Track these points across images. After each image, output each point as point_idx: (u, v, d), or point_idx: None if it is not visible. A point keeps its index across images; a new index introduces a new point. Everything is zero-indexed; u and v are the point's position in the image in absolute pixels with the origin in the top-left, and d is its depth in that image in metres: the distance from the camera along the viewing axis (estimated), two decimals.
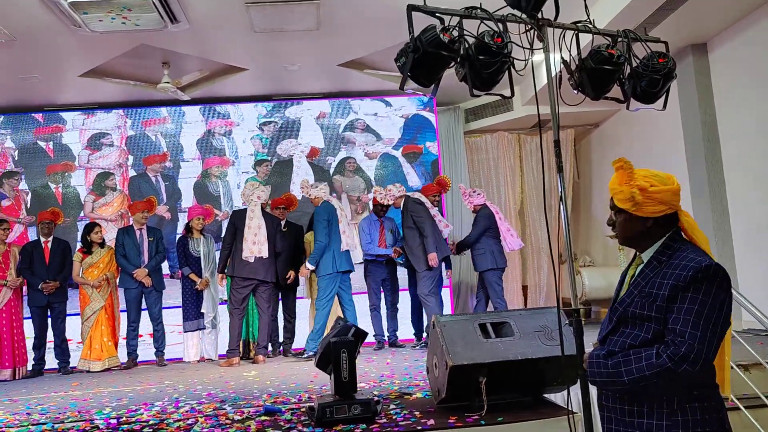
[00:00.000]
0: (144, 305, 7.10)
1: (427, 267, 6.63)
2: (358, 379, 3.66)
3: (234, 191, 8.33)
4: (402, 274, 7.38)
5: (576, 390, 3.38)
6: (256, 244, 6.43)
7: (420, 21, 3.11)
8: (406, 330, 7.41)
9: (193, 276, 7.03)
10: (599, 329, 2.22)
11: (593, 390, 2.33)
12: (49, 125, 8.38)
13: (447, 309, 7.92)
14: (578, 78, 3.49)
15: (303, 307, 7.32)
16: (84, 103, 8.33)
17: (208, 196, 8.36)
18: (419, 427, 3.26)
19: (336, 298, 6.67)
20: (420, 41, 3.03)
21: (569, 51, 3.45)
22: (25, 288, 7.04)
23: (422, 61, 3.06)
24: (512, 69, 3.26)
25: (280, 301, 7.16)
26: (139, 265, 6.99)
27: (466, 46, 3.14)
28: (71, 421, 3.96)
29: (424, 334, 7.04)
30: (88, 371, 6.78)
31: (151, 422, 3.75)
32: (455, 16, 3.17)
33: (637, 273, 2.10)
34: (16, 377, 6.78)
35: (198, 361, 7.09)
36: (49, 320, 7.04)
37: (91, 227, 7.11)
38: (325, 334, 5.27)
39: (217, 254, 7.10)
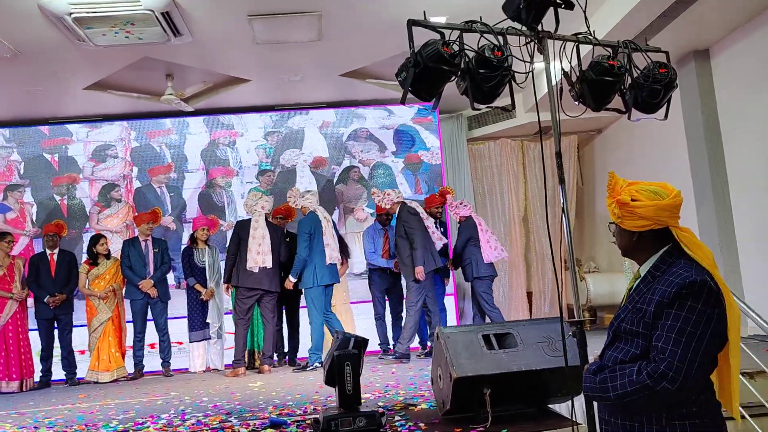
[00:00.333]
0: (150, 316, 7.14)
1: (415, 279, 6.56)
2: (363, 389, 3.68)
3: (238, 201, 8.36)
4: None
5: (580, 400, 3.40)
6: (260, 254, 6.45)
7: (420, 35, 3.13)
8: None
9: (198, 286, 7.06)
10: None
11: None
12: (55, 138, 8.43)
13: (450, 319, 7.88)
14: (579, 89, 3.51)
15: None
16: (89, 115, 8.38)
17: (212, 207, 8.39)
18: None
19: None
20: (420, 56, 3.05)
21: (570, 62, 3.47)
22: (30, 300, 7.08)
23: (423, 76, 3.08)
24: (513, 82, 3.28)
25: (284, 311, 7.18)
26: (145, 276, 7.02)
27: (467, 60, 3.16)
28: None
29: (429, 343, 7.04)
30: (96, 382, 6.81)
31: None
32: (455, 30, 3.19)
33: (633, 287, 2.11)
34: (24, 389, 6.81)
35: (204, 371, 7.11)
36: (56, 332, 7.08)
37: (96, 239, 7.15)
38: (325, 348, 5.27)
39: (222, 264, 7.11)
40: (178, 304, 7.43)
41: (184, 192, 8.47)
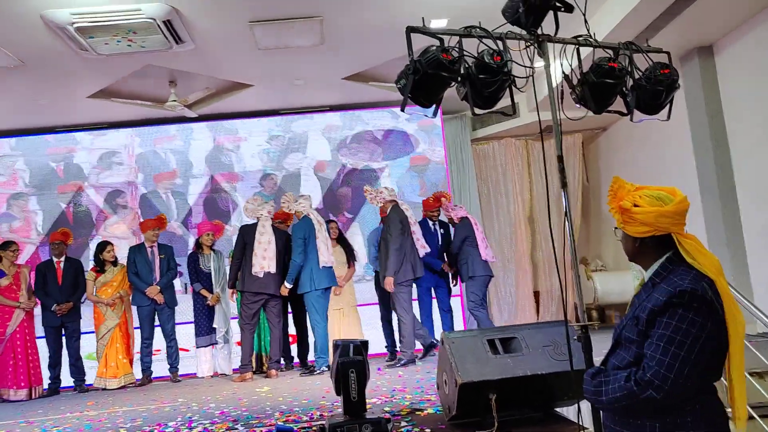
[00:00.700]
0: (157, 322, 7.16)
1: (401, 283, 6.46)
2: (370, 393, 3.68)
3: (243, 206, 8.36)
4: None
5: (587, 404, 3.38)
6: (266, 259, 6.46)
7: (420, 40, 3.12)
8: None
9: (204, 292, 7.08)
10: None
11: None
12: (60, 146, 8.48)
13: (457, 323, 7.84)
14: (580, 92, 3.49)
15: None
16: (93, 123, 8.42)
17: (217, 212, 8.41)
18: None
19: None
20: (420, 63, 3.05)
21: (570, 65, 3.45)
22: (38, 308, 7.11)
23: (422, 83, 3.07)
24: (513, 86, 3.27)
25: (290, 315, 7.19)
26: (151, 282, 7.04)
27: (467, 65, 3.15)
28: None
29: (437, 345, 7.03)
30: (105, 389, 6.84)
31: None
32: (455, 36, 3.19)
33: (636, 294, 2.11)
34: (33, 397, 6.84)
35: (211, 376, 7.13)
36: (63, 339, 7.11)
37: (103, 246, 7.18)
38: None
39: (228, 269, 7.12)
40: (185, 309, 7.44)
41: (189, 197, 8.49)
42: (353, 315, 7.16)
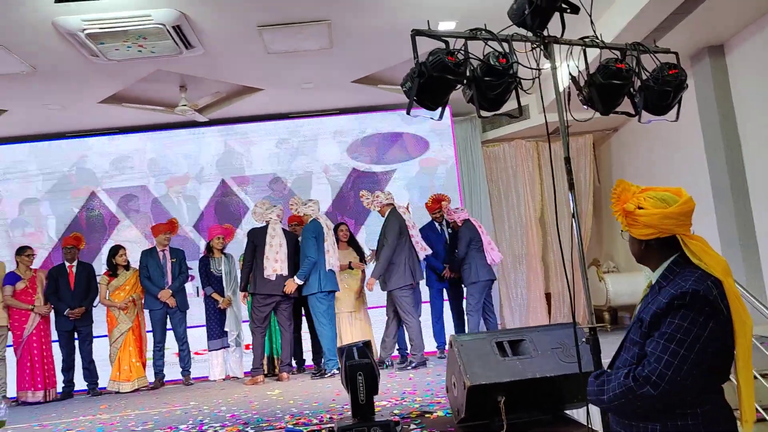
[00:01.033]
0: (169, 325, 7.20)
1: (399, 287, 6.48)
2: (380, 395, 3.69)
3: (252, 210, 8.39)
4: (423, 287, 7.39)
5: (596, 407, 3.37)
6: (278, 262, 6.49)
7: (427, 43, 3.13)
8: (430, 343, 7.41)
9: (215, 295, 7.11)
10: None
11: None
12: (72, 151, 8.55)
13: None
14: (587, 93, 3.48)
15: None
16: (105, 128, 8.49)
17: (228, 216, 8.44)
18: None
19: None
20: (425, 66, 3.05)
21: (577, 66, 3.45)
22: (51, 312, 7.18)
23: (428, 85, 3.07)
24: (519, 88, 3.27)
25: (303, 317, 7.20)
26: (163, 286, 7.09)
27: (472, 68, 3.15)
28: None
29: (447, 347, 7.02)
30: (118, 392, 6.89)
31: None
32: (460, 38, 3.18)
33: (644, 297, 2.10)
34: (47, 399, 6.91)
35: (223, 380, 7.16)
36: (76, 343, 7.17)
37: (115, 250, 7.23)
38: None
39: (239, 273, 7.15)
40: (197, 313, 7.48)
41: (201, 201, 8.54)
42: (364, 318, 7.17)
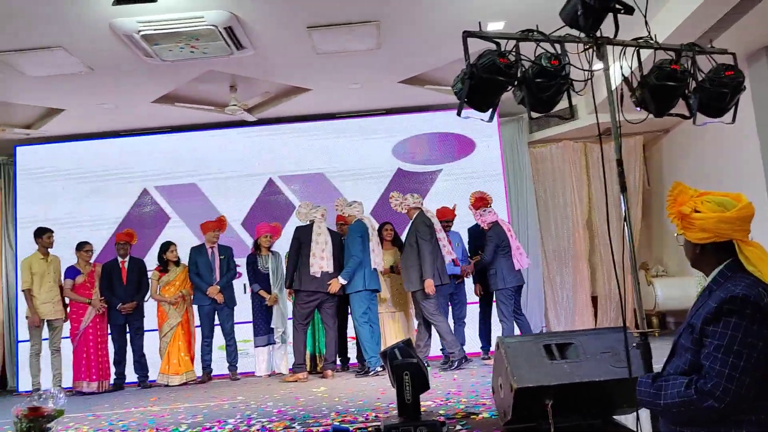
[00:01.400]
0: (217, 321, 7.35)
1: (421, 289, 6.47)
2: (424, 396, 3.70)
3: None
4: (469, 287, 7.37)
5: (646, 413, 3.32)
6: (324, 260, 6.58)
7: (477, 44, 3.13)
8: (473, 344, 7.39)
9: (262, 292, 7.21)
10: None
11: None
12: (125, 149, 8.76)
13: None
14: (640, 95, 3.44)
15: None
16: (157, 126, 8.70)
17: (275, 214, 8.53)
18: None
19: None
20: (476, 67, 3.05)
21: (630, 67, 3.40)
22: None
23: (478, 87, 3.07)
24: (571, 89, 3.24)
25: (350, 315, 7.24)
26: (212, 282, 7.23)
27: (523, 69, 3.14)
28: None
29: (492, 348, 6.99)
30: (167, 385, 7.06)
31: None
32: (511, 39, 3.17)
33: (695, 301, 2.08)
34: (100, 390, 7.12)
35: (269, 375, 7.26)
36: (128, 336, 7.37)
37: (166, 246, 7.42)
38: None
39: (285, 270, 7.23)
40: (244, 310, 7.60)
41: (248, 199, 8.66)
42: (405, 318, 7.19)
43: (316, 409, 4.77)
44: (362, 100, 8.35)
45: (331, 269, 6.61)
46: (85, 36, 5.82)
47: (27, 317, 7.31)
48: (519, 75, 3.13)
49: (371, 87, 7.84)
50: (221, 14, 5.56)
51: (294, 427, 4.11)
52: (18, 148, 8.71)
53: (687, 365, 1.96)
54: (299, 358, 6.66)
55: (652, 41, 3.38)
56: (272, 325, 7.28)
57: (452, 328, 7.28)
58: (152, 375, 7.36)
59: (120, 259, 7.41)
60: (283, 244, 7.54)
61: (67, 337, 7.33)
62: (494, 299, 7.13)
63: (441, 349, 7.18)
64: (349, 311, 7.13)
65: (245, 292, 7.74)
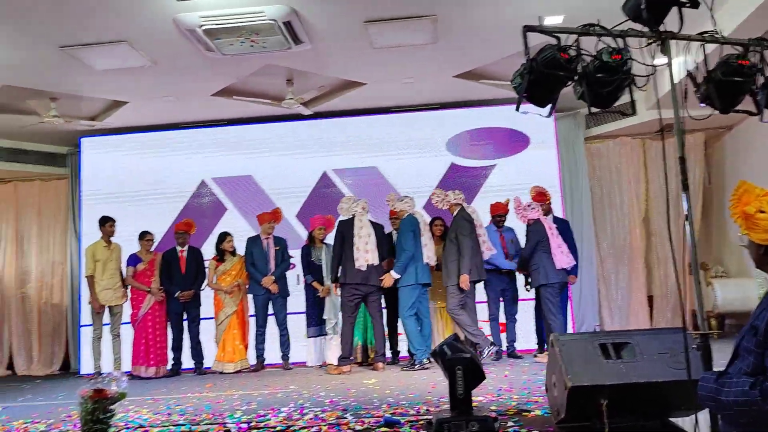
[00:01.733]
0: (271, 311, 7.48)
1: (457, 285, 6.52)
2: (475, 392, 3.71)
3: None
4: (522, 284, 7.32)
5: (705, 415, 3.25)
6: (368, 252, 6.63)
7: (536, 38, 3.10)
8: (524, 341, 7.34)
9: (315, 284, 7.30)
10: None
11: None
12: (184, 141, 8.97)
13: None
14: (705, 90, 3.36)
15: None
16: (215, 119, 8.89)
17: (329, 207, 8.60)
18: None
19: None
20: (536, 62, 3.03)
21: (695, 62, 3.32)
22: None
23: (538, 82, 3.06)
24: (633, 85, 3.19)
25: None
26: (267, 273, 7.37)
27: (584, 64, 3.10)
28: (206, 424, 4.25)
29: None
30: (222, 372, 7.23)
31: (278, 428, 3.96)
32: (572, 34, 3.14)
33: (759, 303, 2.03)
34: (158, 375, 7.34)
35: (320, 366, 7.36)
36: (185, 324, 7.58)
37: (223, 236, 7.59)
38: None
39: None
40: (297, 300, 7.72)
41: (303, 192, 8.77)
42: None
43: (368, 401, 4.82)
44: (417, 94, 8.35)
45: (376, 261, 6.67)
46: (150, 31, 5.99)
47: (89, 303, 7.61)
48: (579, 70, 3.09)
49: (426, 81, 7.84)
50: (281, 9, 5.64)
51: (346, 418, 4.16)
52: (83, 139, 9.03)
53: (750, 368, 1.93)
54: (346, 351, 6.73)
55: (718, 35, 3.30)
56: (324, 317, 7.36)
57: (506, 324, 7.29)
58: (207, 362, 7.55)
59: (179, 249, 7.61)
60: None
61: (127, 323, 7.59)
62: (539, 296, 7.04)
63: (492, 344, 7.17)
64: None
65: (299, 283, 7.86)
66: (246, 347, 7.47)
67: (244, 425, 4.10)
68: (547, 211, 7.18)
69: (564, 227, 7.23)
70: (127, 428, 4.21)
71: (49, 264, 9.43)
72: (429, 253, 6.73)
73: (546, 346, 6.91)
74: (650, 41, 3.14)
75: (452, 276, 6.60)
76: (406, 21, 6.01)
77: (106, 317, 7.64)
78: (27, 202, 9.50)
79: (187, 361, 7.60)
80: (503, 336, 7.34)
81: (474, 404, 3.67)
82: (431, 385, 5.37)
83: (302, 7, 5.71)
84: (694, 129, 8.60)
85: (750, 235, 2.06)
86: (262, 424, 4.11)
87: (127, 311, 7.64)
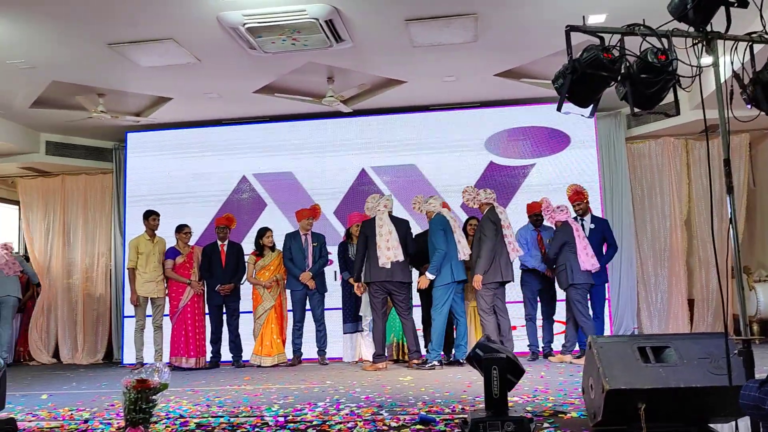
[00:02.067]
0: (308, 306, 7.57)
1: (486, 285, 6.60)
2: (511, 392, 3.71)
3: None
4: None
5: (746, 422, 3.20)
6: (390, 250, 6.66)
7: (578, 38, 3.08)
8: (560, 342, 7.29)
9: (351, 280, 7.35)
10: None
11: None
12: (226, 137, 9.11)
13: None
14: (751, 92, 3.29)
15: None
16: (257, 116, 9.00)
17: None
18: None
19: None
20: (578, 62, 3.02)
21: (741, 62, 3.26)
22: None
23: (580, 82, 3.04)
24: (678, 86, 3.15)
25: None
26: (305, 268, 7.45)
27: (627, 64, 3.07)
28: (244, 416, 4.33)
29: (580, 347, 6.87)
30: (259, 366, 7.35)
31: (314, 423, 4.01)
32: (616, 34, 3.11)
33: None
34: (197, 366, 7.48)
35: (356, 362, 7.42)
36: (224, 317, 7.71)
37: (263, 231, 7.70)
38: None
39: None
40: (335, 296, 7.79)
41: (341, 189, 8.83)
42: None
43: (403, 398, 4.85)
44: (456, 93, 8.34)
45: (401, 258, 6.68)
46: (194, 29, 6.10)
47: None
48: (623, 70, 3.06)
49: (466, 79, 7.82)
50: (322, 8, 5.69)
51: (381, 414, 4.20)
52: (129, 134, 9.23)
53: None
54: (379, 348, 6.77)
55: (767, 36, 3.23)
56: (360, 313, 7.42)
57: (542, 324, 7.26)
58: (245, 355, 7.67)
59: (219, 243, 7.75)
60: None
61: (167, 315, 7.74)
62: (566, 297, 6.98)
63: (528, 345, 7.14)
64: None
65: (336, 280, 7.93)
66: (283, 342, 7.57)
67: (281, 419, 4.17)
68: (585, 211, 7.11)
69: (602, 227, 7.16)
70: (168, 418, 4.32)
71: (94, 256, 9.68)
72: (464, 249, 6.74)
73: (567, 348, 6.86)
74: (696, 41, 3.10)
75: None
76: (447, 19, 6.01)
77: (149, 309, 7.81)
78: (73, 195, 9.77)
79: (226, 354, 7.73)
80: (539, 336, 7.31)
81: (509, 404, 3.67)
82: (467, 384, 5.38)
83: (344, 6, 5.75)
84: (739, 130, 8.38)
85: None
86: (299, 418, 4.17)
87: (167, 303, 7.79)
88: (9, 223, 10.78)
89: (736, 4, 3.09)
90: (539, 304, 7.29)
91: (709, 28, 3.10)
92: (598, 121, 8.68)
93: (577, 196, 7.06)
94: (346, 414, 4.27)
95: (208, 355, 7.69)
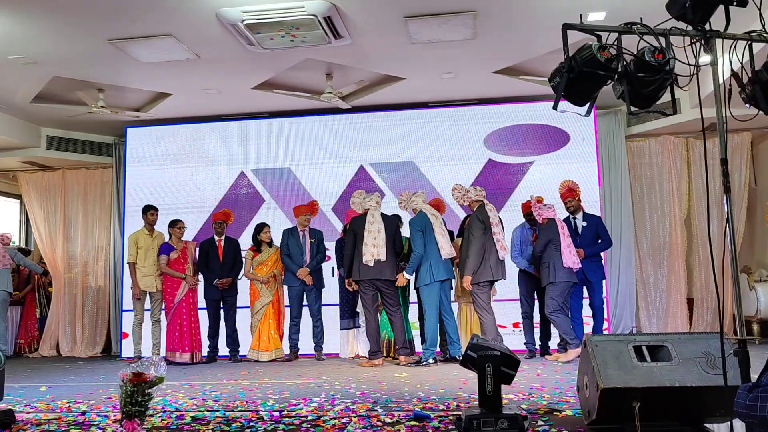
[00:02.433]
0: (305, 302, 7.57)
1: (476, 283, 6.59)
2: (507, 389, 3.70)
3: (390, 194, 8.52)
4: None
5: (741, 423, 3.19)
6: (376, 248, 6.65)
7: (576, 36, 3.07)
8: (557, 340, 7.29)
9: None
10: None
11: None
12: (224, 132, 9.10)
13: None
14: (750, 91, 3.28)
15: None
16: (256, 112, 8.99)
17: None
18: None
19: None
20: (575, 60, 3.00)
21: (740, 61, 3.25)
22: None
23: (577, 81, 3.02)
24: (675, 84, 3.13)
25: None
26: (302, 264, 7.45)
27: (625, 63, 3.06)
28: (240, 410, 4.34)
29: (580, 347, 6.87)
30: (257, 361, 7.36)
31: (309, 418, 4.01)
32: (613, 32, 3.10)
33: None
34: (193, 361, 7.49)
35: (352, 358, 7.42)
36: (222, 312, 7.72)
37: (260, 227, 7.70)
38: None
39: None
40: (332, 292, 7.79)
41: (339, 185, 8.82)
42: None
43: (398, 394, 4.85)
44: (455, 90, 8.33)
45: (383, 257, 6.66)
46: (193, 25, 6.09)
47: (131, 288, 7.81)
48: (620, 69, 3.05)
49: (465, 76, 7.81)
50: (321, 4, 5.68)
51: (376, 410, 4.20)
52: (128, 129, 9.22)
53: None
54: (373, 344, 6.77)
55: (766, 35, 3.22)
56: (357, 309, 7.42)
57: (539, 322, 7.27)
58: (242, 350, 7.68)
59: (216, 238, 7.76)
60: None
61: (163, 310, 7.75)
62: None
63: (525, 343, 7.14)
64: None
65: (333, 276, 7.93)
66: (281, 337, 7.58)
67: (276, 413, 4.17)
68: (577, 208, 7.11)
69: (595, 224, 7.14)
70: (164, 411, 4.32)
71: (93, 250, 9.69)
72: (445, 246, 6.68)
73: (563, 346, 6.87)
74: (694, 40, 3.09)
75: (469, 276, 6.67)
76: (446, 16, 5.99)
77: (147, 303, 7.82)
78: (73, 189, 9.77)
79: (223, 349, 7.74)
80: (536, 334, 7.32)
81: (504, 402, 3.67)
82: (462, 382, 5.38)
83: (342, 2, 5.74)
84: (741, 129, 8.39)
85: None
86: (293, 413, 4.17)
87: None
88: (10, 216, 10.81)
89: (735, 3, 3.07)
90: (536, 303, 7.28)
91: (707, 27, 3.09)
92: (598, 118, 8.67)
93: (570, 193, 7.06)
94: (341, 409, 4.27)
95: (204, 350, 7.70)
